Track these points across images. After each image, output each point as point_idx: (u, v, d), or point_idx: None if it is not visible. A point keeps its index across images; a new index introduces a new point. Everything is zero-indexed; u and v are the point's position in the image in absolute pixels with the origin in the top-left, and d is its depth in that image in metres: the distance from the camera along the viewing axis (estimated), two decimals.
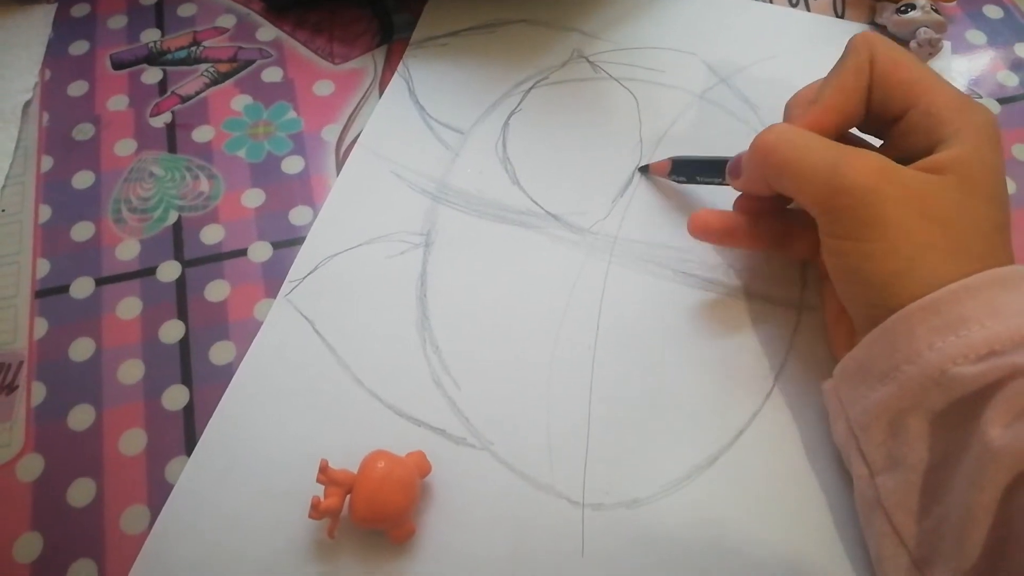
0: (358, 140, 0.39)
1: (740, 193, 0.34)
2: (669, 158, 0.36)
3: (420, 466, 0.30)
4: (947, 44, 0.43)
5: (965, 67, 0.42)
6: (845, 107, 0.30)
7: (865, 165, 0.27)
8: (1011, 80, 0.42)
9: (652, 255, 0.36)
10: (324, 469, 0.28)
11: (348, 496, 0.29)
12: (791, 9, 0.45)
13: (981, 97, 0.41)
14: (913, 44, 0.41)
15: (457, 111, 0.40)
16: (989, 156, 0.28)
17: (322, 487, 0.29)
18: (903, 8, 0.41)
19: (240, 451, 0.31)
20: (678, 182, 0.37)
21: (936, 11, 0.41)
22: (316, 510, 0.28)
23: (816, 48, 0.43)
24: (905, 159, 0.28)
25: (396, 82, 0.41)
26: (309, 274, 0.35)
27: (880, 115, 0.30)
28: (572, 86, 0.41)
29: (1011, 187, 0.38)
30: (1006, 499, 0.23)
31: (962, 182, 0.27)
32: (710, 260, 0.36)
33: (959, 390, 0.25)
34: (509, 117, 0.40)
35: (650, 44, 0.43)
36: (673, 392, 0.33)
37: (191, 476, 0.31)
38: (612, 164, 0.39)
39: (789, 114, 0.33)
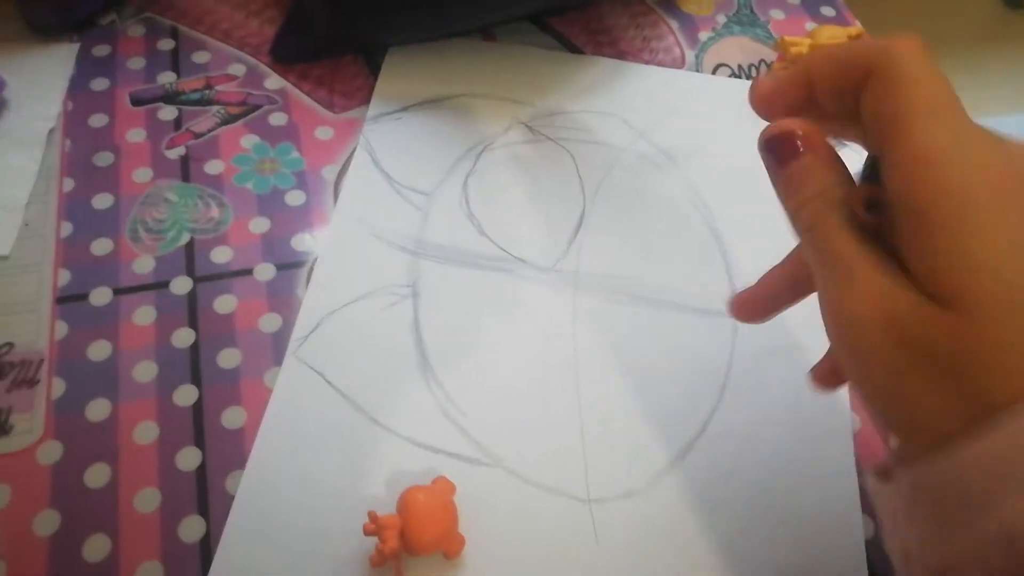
0: (335, 209, 0.44)
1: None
2: None
3: (448, 488, 0.34)
4: None
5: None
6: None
7: (866, 294, 0.22)
8: None
9: (607, 284, 0.42)
10: (374, 519, 0.32)
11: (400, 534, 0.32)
12: (692, 72, 0.52)
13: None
14: None
15: (419, 176, 0.45)
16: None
17: (364, 539, 0.32)
18: None
19: (275, 504, 0.34)
20: None
21: None
22: (381, 556, 0.31)
23: (712, 103, 0.51)
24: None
25: (360, 154, 0.46)
26: (312, 332, 0.39)
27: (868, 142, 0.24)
28: (517, 148, 0.47)
29: None
30: None
31: (981, 325, 0.20)
32: (655, 283, 0.42)
33: None
34: (467, 178, 0.46)
35: (576, 109, 0.49)
36: (645, 396, 0.39)
37: (232, 536, 0.33)
38: (561, 211, 0.45)
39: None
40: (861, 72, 0.23)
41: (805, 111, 0.26)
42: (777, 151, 0.25)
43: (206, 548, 0.33)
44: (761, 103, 0.27)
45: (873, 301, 0.22)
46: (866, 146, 0.25)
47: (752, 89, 0.27)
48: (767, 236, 0.45)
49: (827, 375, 0.32)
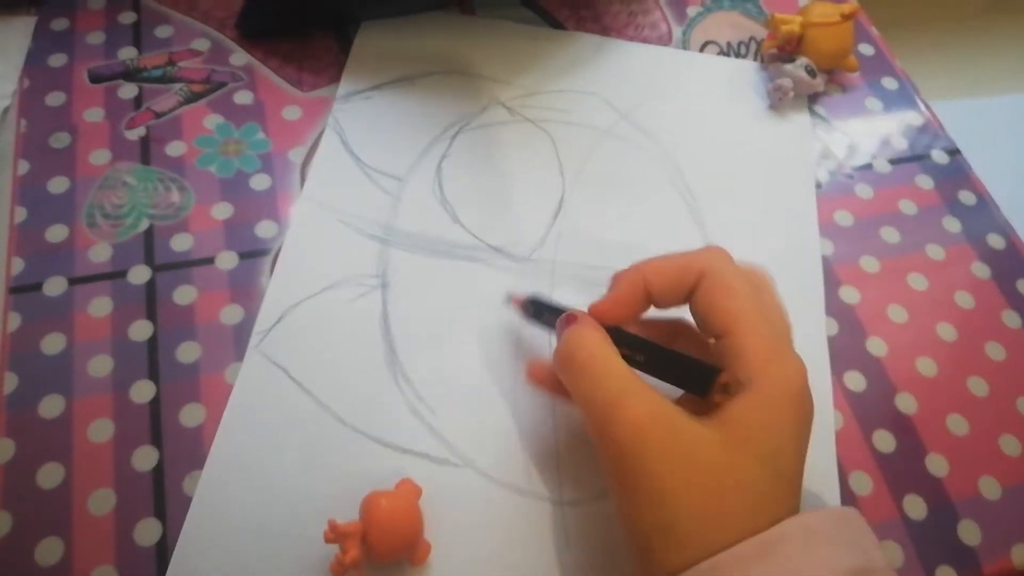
0: (302, 194, 0.42)
1: None
2: (529, 297, 0.36)
3: (413, 491, 0.33)
4: (808, 108, 0.48)
5: (863, 129, 0.48)
6: (663, 295, 0.31)
7: (637, 413, 0.27)
8: (901, 143, 0.48)
9: (586, 275, 0.40)
10: (333, 527, 0.30)
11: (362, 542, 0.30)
12: (677, 50, 0.50)
13: (874, 160, 0.47)
14: (770, 86, 0.48)
15: (391, 159, 0.43)
16: (776, 416, 0.27)
17: (330, 546, 0.30)
18: (788, 57, 0.48)
19: (234, 507, 0.33)
20: (526, 314, 0.36)
21: (811, 74, 0.47)
22: (341, 566, 0.30)
23: (699, 83, 0.49)
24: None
25: (329, 136, 0.44)
26: (275, 325, 0.38)
27: (703, 328, 0.31)
28: (494, 129, 0.45)
29: (896, 237, 0.44)
30: None
31: (737, 442, 0.27)
32: None
33: None
34: (441, 161, 0.44)
35: (557, 88, 0.47)
36: None
37: (191, 535, 0.32)
38: (539, 198, 0.43)
39: (611, 284, 0.33)
40: (693, 277, 0.31)
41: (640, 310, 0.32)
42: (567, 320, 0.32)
43: (162, 552, 0.32)
44: (606, 316, 0.32)
45: (648, 408, 0.27)
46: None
47: (594, 309, 0.32)
48: (752, 225, 0.43)
49: (543, 376, 0.34)
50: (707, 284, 0.30)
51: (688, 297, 0.31)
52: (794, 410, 0.28)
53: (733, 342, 0.29)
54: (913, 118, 0.49)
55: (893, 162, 0.47)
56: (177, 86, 0.45)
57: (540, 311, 0.35)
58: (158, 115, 0.44)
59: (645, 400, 0.28)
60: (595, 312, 0.32)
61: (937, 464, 0.37)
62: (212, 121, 0.44)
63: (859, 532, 0.27)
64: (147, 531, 0.32)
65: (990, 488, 0.36)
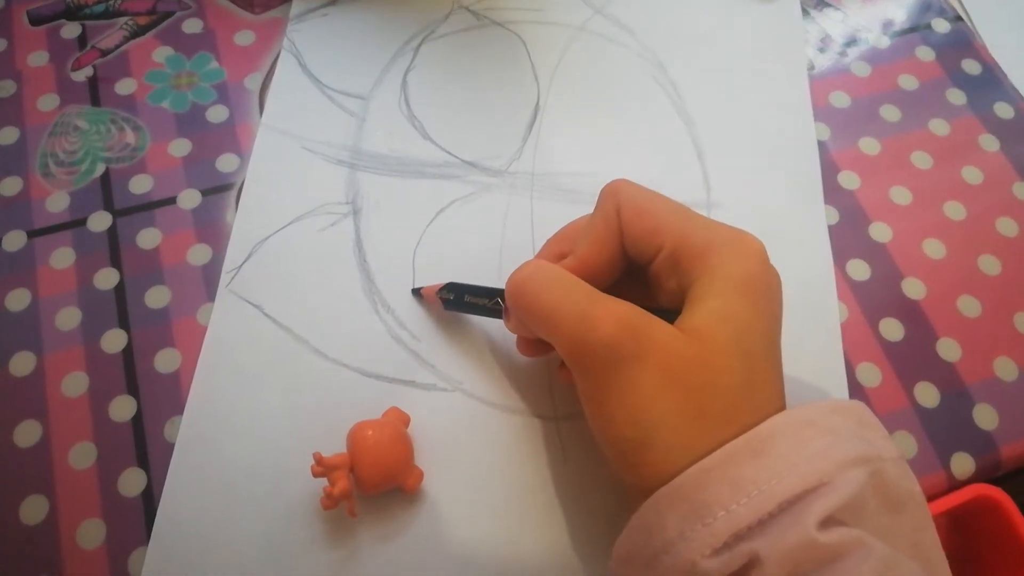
0: (262, 122, 0.40)
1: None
2: (444, 283, 0.34)
3: (401, 419, 0.32)
4: None
5: (856, 2, 0.45)
6: (599, 258, 0.29)
7: (611, 315, 0.25)
8: (899, 15, 0.45)
9: (568, 183, 0.38)
10: (320, 461, 0.29)
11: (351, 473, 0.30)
12: None
13: (870, 35, 0.44)
14: None
15: (353, 77, 0.41)
16: (728, 304, 0.26)
17: (316, 479, 0.30)
18: None
19: (218, 449, 0.32)
20: (446, 303, 0.34)
21: None
22: (331, 499, 0.29)
23: None
24: (674, 306, 0.27)
25: (285, 59, 0.41)
26: (245, 262, 0.36)
27: (641, 263, 0.29)
28: (460, 36, 0.42)
29: (896, 115, 0.41)
30: None
31: (700, 340, 0.25)
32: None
33: None
34: (405, 75, 0.41)
35: None
36: None
37: (177, 481, 0.31)
38: (514, 105, 0.40)
39: (544, 249, 0.32)
40: (615, 215, 0.29)
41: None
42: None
43: (149, 501, 0.31)
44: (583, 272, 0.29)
45: (622, 312, 0.26)
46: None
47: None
48: (742, 116, 0.41)
49: (530, 348, 0.32)
50: (624, 217, 0.29)
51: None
52: (746, 294, 0.26)
53: (666, 257, 0.28)
54: None
55: (891, 35, 0.44)
56: (122, 20, 0.42)
57: (460, 296, 0.33)
58: (104, 53, 0.41)
59: (620, 305, 0.26)
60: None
61: (949, 349, 0.35)
62: (161, 54, 0.41)
63: (860, 422, 0.25)
64: (131, 481, 0.32)
65: (1006, 369, 0.35)
